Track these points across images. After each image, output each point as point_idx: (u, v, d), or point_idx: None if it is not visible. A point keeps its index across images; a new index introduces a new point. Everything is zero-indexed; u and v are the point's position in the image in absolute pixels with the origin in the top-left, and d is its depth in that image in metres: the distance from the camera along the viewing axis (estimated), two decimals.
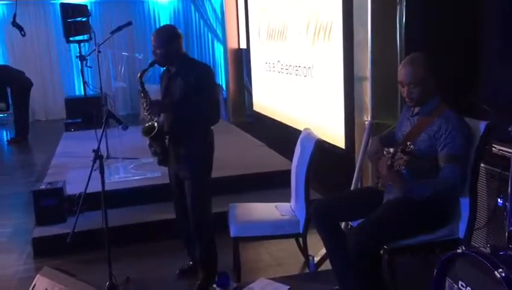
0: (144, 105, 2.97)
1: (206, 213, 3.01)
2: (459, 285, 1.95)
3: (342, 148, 4.34)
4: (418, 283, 2.43)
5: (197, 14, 9.29)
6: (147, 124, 2.96)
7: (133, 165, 4.86)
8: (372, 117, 3.74)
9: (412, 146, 2.22)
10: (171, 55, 2.91)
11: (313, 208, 2.68)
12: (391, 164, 2.27)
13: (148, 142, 2.98)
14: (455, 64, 3.33)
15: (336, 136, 4.44)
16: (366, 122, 3.74)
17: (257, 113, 6.93)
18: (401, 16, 3.57)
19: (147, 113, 2.96)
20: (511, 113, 2.39)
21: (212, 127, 3.07)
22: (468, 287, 1.90)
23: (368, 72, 3.75)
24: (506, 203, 2.21)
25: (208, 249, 3.04)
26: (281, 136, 5.53)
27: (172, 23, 8.38)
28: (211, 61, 9.09)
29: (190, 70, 2.92)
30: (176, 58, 2.92)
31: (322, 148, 4.36)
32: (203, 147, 3.01)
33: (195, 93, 2.86)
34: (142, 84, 2.96)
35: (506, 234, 2.19)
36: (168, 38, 2.89)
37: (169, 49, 2.88)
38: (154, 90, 3.34)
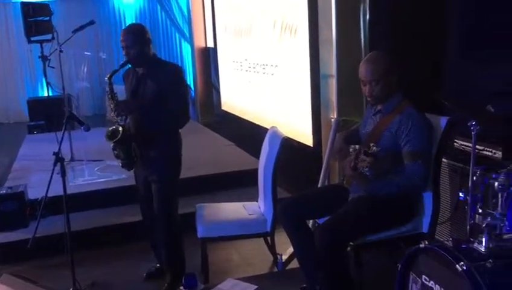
0: (112, 106, 2.89)
1: (173, 215, 2.96)
2: (423, 279, 1.97)
3: (310, 146, 4.36)
4: (384, 278, 2.45)
5: (163, 13, 9.18)
6: (110, 128, 2.89)
7: (99, 167, 4.76)
8: (339, 114, 3.77)
9: (374, 148, 2.23)
10: (144, 56, 2.84)
11: (280, 206, 2.68)
12: (355, 165, 2.29)
13: (111, 145, 2.91)
14: (418, 62, 3.39)
15: (304, 134, 4.45)
16: (333, 120, 3.76)
17: (225, 112, 6.90)
18: (364, 15, 3.61)
19: (114, 115, 2.90)
20: (471, 109, 2.44)
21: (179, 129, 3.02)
22: (431, 281, 1.93)
23: (334, 70, 3.77)
24: (467, 197, 2.25)
25: (174, 251, 3.00)
26: (249, 135, 5.52)
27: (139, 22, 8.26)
28: (179, 61, 9.01)
29: (161, 71, 2.86)
30: (147, 59, 2.86)
31: (290, 146, 4.38)
32: (171, 150, 2.97)
33: (167, 94, 2.81)
34: (110, 85, 2.88)
35: (468, 227, 2.22)
36: (142, 38, 2.83)
37: (144, 49, 2.82)
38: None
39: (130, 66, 2.93)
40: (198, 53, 7.88)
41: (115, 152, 2.91)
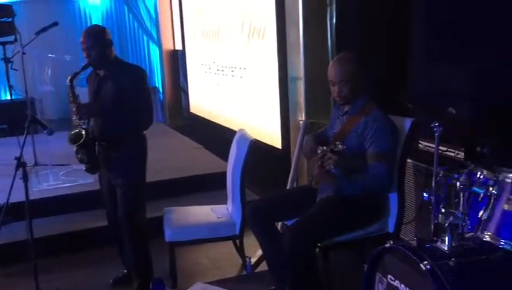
0: (74, 109, 2.84)
1: (139, 220, 2.92)
2: (388, 279, 2.00)
3: (279, 148, 4.38)
4: (351, 279, 2.49)
5: (130, 15, 9.05)
6: (73, 132, 2.83)
7: (64, 171, 4.65)
8: (307, 116, 3.80)
9: (340, 146, 2.26)
10: (106, 58, 2.80)
11: (248, 209, 2.68)
12: (322, 164, 2.31)
13: (75, 149, 2.85)
14: (384, 64, 3.45)
15: (273, 136, 4.47)
16: (301, 122, 3.79)
17: (194, 115, 6.86)
18: (331, 17, 3.65)
19: (76, 118, 2.84)
20: (434, 111, 2.49)
21: (145, 131, 2.98)
22: (397, 281, 1.95)
23: (301, 73, 3.80)
24: (431, 197, 2.30)
25: (142, 256, 2.95)
26: (218, 138, 5.50)
27: (105, 25, 8.15)
28: (147, 63, 8.89)
29: (122, 73, 2.82)
30: (108, 61, 2.82)
31: (259, 148, 4.38)
32: (136, 153, 2.92)
33: (129, 96, 2.77)
34: (72, 88, 2.82)
35: (432, 227, 2.27)
36: (103, 40, 2.79)
37: (105, 51, 2.78)
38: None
39: (92, 68, 2.88)
40: (167, 55, 7.82)
41: (78, 156, 2.85)
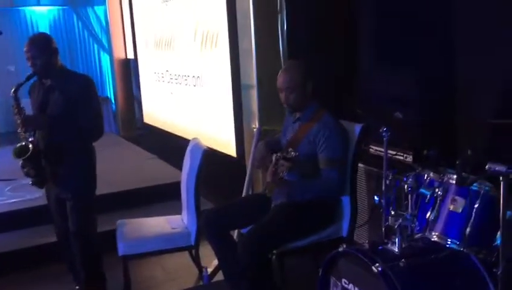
0: (18, 122, 2.72)
1: (89, 234, 2.83)
2: (343, 282, 2.02)
3: (234, 157, 4.36)
4: (307, 284, 2.49)
5: (80, 23, 8.84)
6: (18, 145, 2.72)
7: (10, 186, 4.45)
8: (261, 124, 3.81)
9: (292, 152, 2.28)
10: (51, 67, 2.71)
11: (203, 218, 2.66)
12: (275, 171, 2.32)
13: (20, 163, 2.73)
14: (335, 70, 3.51)
15: (228, 145, 4.45)
16: (255, 130, 3.79)
17: (148, 125, 6.75)
18: (282, 24, 3.69)
19: (21, 131, 2.73)
20: (382, 116, 2.55)
21: (97, 143, 2.89)
22: (351, 284, 1.98)
23: (254, 80, 3.82)
24: (382, 200, 2.35)
25: (93, 272, 2.86)
26: (172, 147, 5.44)
27: (53, 34, 7.90)
28: (98, 73, 8.69)
29: (69, 82, 2.74)
30: (54, 70, 2.73)
31: (214, 157, 4.35)
32: (84, 165, 2.83)
33: (77, 106, 2.69)
34: (16, 99, 2.71)
35: (383, 229, 2.32)
36: (48, 48, 2.70)
37: (51, 60, 2.70)
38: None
39: (36, 78, 2.78)
40: (118, 65, 7.67)
41: (25, 170, 2.74)
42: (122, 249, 2.86)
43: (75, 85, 2.74)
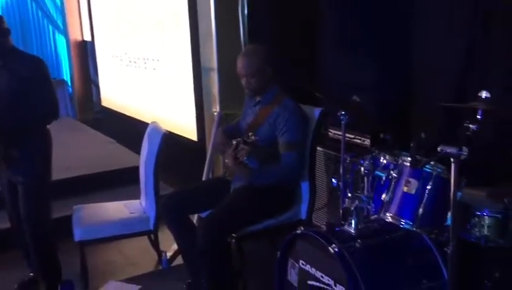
0: None
1: (43, 219, 2.75)
2: (300, 264, 2.05)
3: (194, 140, 4.33)
4: (266, 267, 2.51)
5: (33, 4, 8.48)
6: None
7: None
8: (221, 108, 3.79)
9: (252, 136, 2.28)
10: (2, 47, 2.61)
11: (161, 203, 2.63)
12: (235, 155, 2.32)
13: None
14: (295, 54, 3.52)
15: (189, 129, 4.41)
16: (215, 113, 3.77)
17: (106, 108, 6.60)
18: (243, 7, 3.65)
19: None
20: (340, 100, 2.58)
21: (53, 126, 2.80)
22: (308, 265, 2.01)
23: (215, 64, 3.77)
24: (339, 183, 2.39)
25: (48, 258, 2.79)
26: (132, 131, 5.33)
27: (5, 14, 7.56)
28: (53, 55, 8.38)
29: (20, 63, 2.63)
30: (5, 50, 2.62)
31: (175, 141, 4.31)
32: (37, 148, 2.73)
33: (28, 87, 2.59)
34: None
35: (341, 211, 2.36)
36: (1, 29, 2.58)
37: (1, 40, 2.59)
38: None
39: None
40: (74, 46, 7.41)
41: None
42: (78, 234, 2.80)
43: (27, 66, 2.64)
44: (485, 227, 1.88)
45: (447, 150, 1.66)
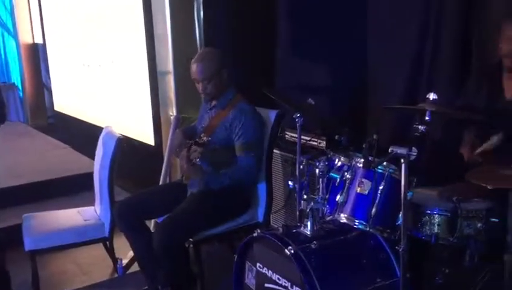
0: None
1: None
2: (257, 267, 2.05)
3: (152, 145, 4.27)
4: (224, 270, 2.50)
5: None
6: None
7: None
8: (178, 111, 3.75)
9: (205, 138, 2.28)
10: None
11: (116, 208, 2.58)
12: (188, 157, 2.30)
13: None
14: (252, 57, 3.52)
15: (145, 133, 4.34)
16: (172, 117, 3.73)
17: (59, 113, 6.41)
18: (199, 10, 3.63)
19: None
20: (296, 103, 2.61)
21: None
22: (265, 268, 2.01)
23: (171, 67, 3.74)
24: (296, 185, 2.40)
25: None
26: (87, 137, 5.20)
27: None
28: (2, 58, 8.08)
29: None
30: None
31: (131, 145, 4.23)
32: None
33: None
34: None
35: (297, 213, 2.38)
36: None
37: None
38: None
39: None
40: (25, 49, 7.16)
41: None
42: (28, 244, 2.69)
43: None
44: (435, 225, 1.93)
45: (397, 151, 1.70)
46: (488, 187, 1.71)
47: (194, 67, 2.51)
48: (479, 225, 1.90)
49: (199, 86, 2.54)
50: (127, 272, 2.94)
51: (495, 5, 2.43)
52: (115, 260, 2.96)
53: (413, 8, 2.72)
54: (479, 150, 2.00)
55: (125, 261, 2.95)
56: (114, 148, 2.83)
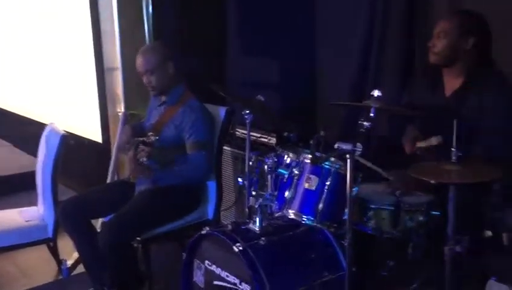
0: None
1: None
2: (206, 264, 2.02)
3: (99, 142, 4.16)
4: (173, 269, 2.47)
5: None
6: None
7: None
8: (126, 108, 3.68)
9: (152, 137, 2.24)
10: None
11: (60, 208, 2.50)
12: (134, 156, 2.26)
13: None
14: (203, 54, 3.50)
15: (93, 130, 4.22)
16: (120, 114, 3.65)
17: (0, 109, 6.12)
18: (147, 5, 3.57)
19: None
20: (246, 99, 2.60)
21: None
22: (214, 265, 1.99)
23: (118, 63, 3.65)
24: (245, 182, 2.40)
25: None
26: (31, 134, 5.00)
27: None
28: None
29: None
30: None
31: (78, 142, 4.11)
32: None
33: None
34: None
35: (247, 209, 2.37)
36: None
37: None
38: None
39: None
40: None
41: None
42: None
43: None
44: (380, 219, 1.98)
45: (343, 147, 1.72)
46: (431, 182, 1.77)
47: (138, 59, 2.51)
48: (420, 218, 1.96)
49: (144, 79, 2.52)
50: (72, 274, 2.85)
51: (437, 5, 2.52)
52: (59, 262, 2.86)
53: (360, 7, 2.77)
54: (418, 145, 2.06)
55: (70, 263, 2.86)
56: (58, 146, 2.74)
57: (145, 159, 2.25)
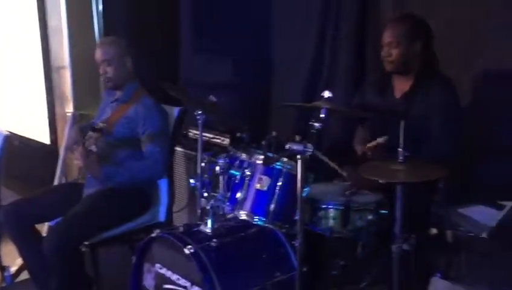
0: None
1: None
2: (156, 268, 1.98)
3: (47, 144, 4.02)
4: (122, 273, 2.40)
5: None
6: None
7: None
8: (75, 108, 3.57)
9: (101, 124, 2.19)
10: None
11: (3, 213, 2.37)
12: (83, 145, 2.21)
13: None
14: (156, 53, 3.44)
15: (40, 131, 4.09)
16: (69, 114, 3.53)
17: None
18: (97, 2, 3.49)
19: None
20: (199, 100, 2.58)
21: None
22: (164, 268, 1.95)
23: (67, 62, 3.55)
24: (197, 183, 2.36)
25: None
26: None
27: None
28: None
29: None
30: None
31: (25, 144, 3.95)
32: None
33: None
34: None
35: (199, 211, 2.34)
36: None
37: None
38: None
39: None
40: None
41: None
42: None
43: None
44: (330, 219, 2.00)
45: (294, 148, 1.73)
46: (380, 181, 1.80)
47: (97, 49, 2.49)
48: (370, 217, 1.99)
49: (100, 70, 2.48)
50: (16, 281, 2.73)
51: (386, 9, 2.58)
52: (2, 268, 2.73)
53: (313, 9, 2.80)
54: (368, 145, 2.10)
55: (13, 269, 2.74)
56: (1, 147, 2.62)
57: (93, 147, 2.20)
